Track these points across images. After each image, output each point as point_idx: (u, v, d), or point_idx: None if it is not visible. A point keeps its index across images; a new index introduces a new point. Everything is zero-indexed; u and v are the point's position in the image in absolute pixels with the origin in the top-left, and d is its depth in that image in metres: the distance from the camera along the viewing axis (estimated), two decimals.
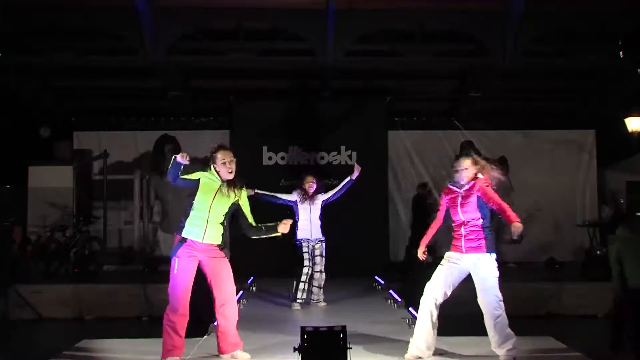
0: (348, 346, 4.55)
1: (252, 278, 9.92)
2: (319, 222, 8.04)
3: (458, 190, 5.23)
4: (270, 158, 12.20)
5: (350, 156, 12.25)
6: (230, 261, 5.30)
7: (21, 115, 13.08)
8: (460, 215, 5.17)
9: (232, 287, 5.25)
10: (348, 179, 7.99)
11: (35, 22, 10.56)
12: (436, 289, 5.17)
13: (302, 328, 4.61)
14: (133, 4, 9.91)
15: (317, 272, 8.02)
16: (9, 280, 9.73)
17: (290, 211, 8.00)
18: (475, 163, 5.23)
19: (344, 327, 4.60)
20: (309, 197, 7.99)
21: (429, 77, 12.90)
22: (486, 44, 10.84)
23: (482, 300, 5.08)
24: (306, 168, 8.33)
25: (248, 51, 11.07)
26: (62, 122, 13.30)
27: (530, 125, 13.27)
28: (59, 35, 10.83)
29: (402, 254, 12.64)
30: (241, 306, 7.27)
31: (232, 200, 5.19)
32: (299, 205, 8.00)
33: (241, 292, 8.36)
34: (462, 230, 5.15)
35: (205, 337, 6.05)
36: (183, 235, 5.14)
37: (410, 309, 7.18)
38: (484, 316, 5.08)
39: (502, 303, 5.05)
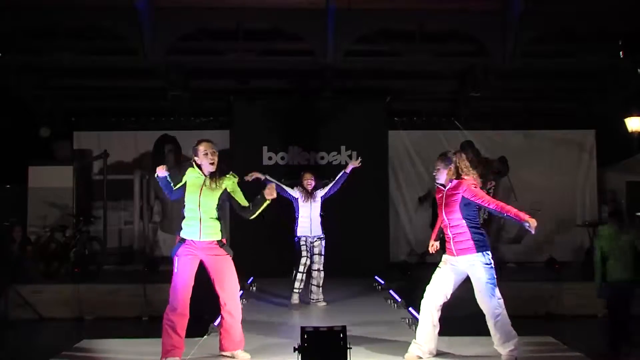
0: (348, 346, 4.55)
1: (252, 278, 9.92)
2: (319, 219, 8.09)
3: (443, 189, 5.23)
4: (270, 158, 12.19)
5: (350, 156, 12.23)
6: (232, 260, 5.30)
7: (21, 115, 13.10)
8: (443, 215, 5.17)
9: (236, 285, 5.26)
10: (342, 172, 8.02)
11: (35, 22, 10.56)
12: (435, 292, 5.17)
13: (302, 328, 4.61)
14: (133, 4, 9.91)
15: (316, 270, 8.04)
16: (9, 280, 9.74)
17: (291, 206, 8.09)
18: (443, 162, 5.18)
19: (344, 327, 4.60)
20: (309, 195, 8.03)
21: (429, 77, 12.91)
22: (486, 44, 10.85)
23: (480, 300, 5.08)
24: (306, 168, 8.34)
25: (248, 51, 11.07)
26: (62, 122, 13.31)
27: (530, 125, 13.26)
28: (59, 35, 10.83)
29: (402, 254, 12.66)
30: (241, 306, 7.26)
31: (219, 191, 5.20)
32: (300, 202, 8.04)
33: (241, 292, 8.34)
34: (449, 232, 5.14)
35: (205, 337, 6.06)
36: (181, 235, 5.18)
37: (410, 309, 7.18)
38: (485, 316, 5.08)
39: (501, 301, 5.04)
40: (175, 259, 5.13)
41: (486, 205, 5.01)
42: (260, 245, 11.12)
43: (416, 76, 12.72)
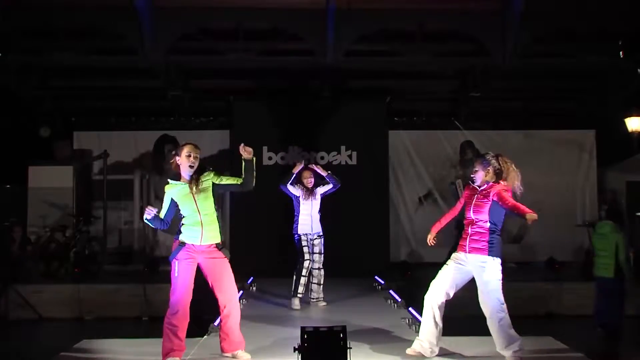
0: (348, 346, 4.56)
1: (252, 278, 9.93)
2: (318, 216, 8.11)
3: (477, 189, 5.29)
4: (270, 158, 12.19)
5: (350, 156, 12.25)
6: (230, 261, 5.30)
7: (21, 115, 13.09)
8: (470, 213, 5.22)
9: (234, 287, 5.26)
10: (325, 176, 8.02)
11: (35, 22, 10.55)
12: (439, 289, 5.22)
13: (302, 328, 4.61)
14: (133, 4, 9.90)
15: (316, 269, 8.05)
16: (9, 280, 9.74)
17: (290, 205, 8.11)
18: (482, 164, 5.24)
19: (344, 327, 4.60)
20: (309, 192, 8.04)
21: (429, 77, 12.91)
22: (486, 44, 10.83)
23: (483, 303, 5.09)
24: (304, 167, 8.34)
25: (248, 51, 11.06)
26: (62, 122, 13.31)
27: (530, 125, 13.26)
28: (59, 35, 10.82)
29: (402, 254, 12.65)
30: (241, 306, 7.25)
31: (209, 189, 5.18)
32: (301, 200, 8.04)
33: (241, 292, 8.35)
34: (470, 230, 5.19)
35: (205, 337, 6.06)
36: (181, 239, 5.17)
37: (410, 309, 7.18)
38: (487, 319, 5.10)
39: (504, 306, 5.06)
40: (175, 263, 5.12)
41: (504, 206, 5.05)
42: (260, 245, 11.12)
43: (416, 76, 12.71)
